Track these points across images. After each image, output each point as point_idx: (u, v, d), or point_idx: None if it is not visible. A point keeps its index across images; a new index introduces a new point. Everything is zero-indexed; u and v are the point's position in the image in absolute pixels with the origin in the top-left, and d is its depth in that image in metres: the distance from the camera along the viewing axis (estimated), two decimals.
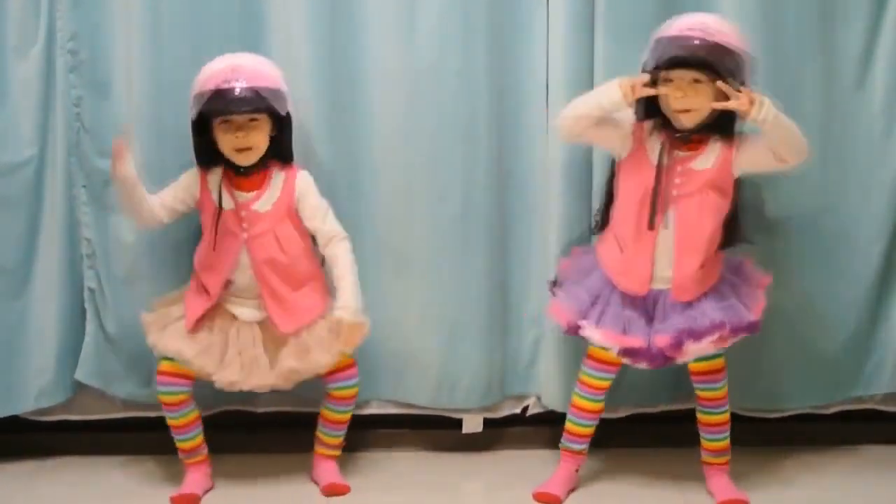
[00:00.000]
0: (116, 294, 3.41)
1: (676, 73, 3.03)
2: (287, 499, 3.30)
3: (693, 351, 3.11)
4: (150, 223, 3.23)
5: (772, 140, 3.03)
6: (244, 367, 3.19)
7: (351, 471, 3.41)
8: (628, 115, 3.14)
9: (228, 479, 3.37)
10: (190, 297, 3.25)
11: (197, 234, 3.26)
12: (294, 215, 3.24)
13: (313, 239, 3.28)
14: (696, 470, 3.35)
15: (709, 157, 3.11)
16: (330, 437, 3.36)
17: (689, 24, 3.05)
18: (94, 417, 3.53)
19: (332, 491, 3.31)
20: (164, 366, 3.21)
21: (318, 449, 3.38)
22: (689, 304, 3.13)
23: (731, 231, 3.19)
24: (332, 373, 3.26)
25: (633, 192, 3.14)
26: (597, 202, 3.35)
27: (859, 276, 3.48)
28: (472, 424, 3.57)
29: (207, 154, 3.19)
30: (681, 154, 3.12)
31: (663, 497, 3.31)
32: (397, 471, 3.48)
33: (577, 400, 3.30)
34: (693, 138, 3.11)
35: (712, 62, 2.99)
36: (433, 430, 3.59)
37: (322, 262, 3.29)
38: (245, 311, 3.24)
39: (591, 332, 3.15)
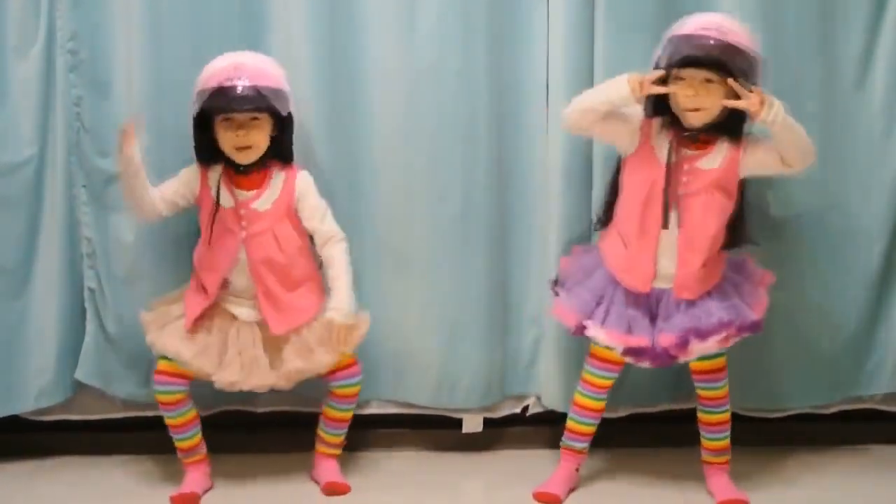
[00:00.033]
0: (116, 294, 3.41)
1: (688, 72, 3.03)
2: (287, 499, 3.30)
3: (698, 350, 3.12)
4: (149, 215, 3.23)
5: (779, 143, 3.03)
6: (244, 367, 3.19)
7: (351, 470, 3.41)
8: (636, 111, 3.14)
9: (228, 478, 3.37)
10: (189, 296, 3.25)
11: (197, 233, 3.26)
12: (293, 215, 3.24)
13: (311, 239, 3.27)
14: (696, 470, 3.35)
15: (716, 158, 3.11)
16: (331, 435, 3.36)
17: (704, 24, 3.04)
18: (93, 417, 3.53)
19: (332, 490, 3.31)
20: (162, 365, 3.22)
21: (319, 447, 3.38)
22: (692, 303, 3.13)
23: (737, 232, 3.19)
24: (334, 371, 3.26)
25: (638, 189, 3.14)
26: (597, 202, 3.35)
27: (859, 276, 3.49)
28: (472, 424, 3.57)
29: (208, 151, 3.19)
30: (688, 153, 3.12)
31: (663, 497, 3.31)
32: (397, 470, 3.48)
33: (579, 398, 3.30)
34: (701, 138, 3.10)
35: (726, 62, 2.98)
36: (433, 430, 3.59)
37: (320, 263, 3.29)
38: (244, 311, 3.23)
39: (595, 331, 3.16)
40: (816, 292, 3.47)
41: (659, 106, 3.12)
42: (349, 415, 3.35)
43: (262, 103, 3.09)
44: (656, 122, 3.15)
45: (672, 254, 3.12)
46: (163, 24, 3.30)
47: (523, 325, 3.54)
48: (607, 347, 3.17)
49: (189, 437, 3.29)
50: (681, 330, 3.10)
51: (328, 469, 3.35)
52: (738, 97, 2.99)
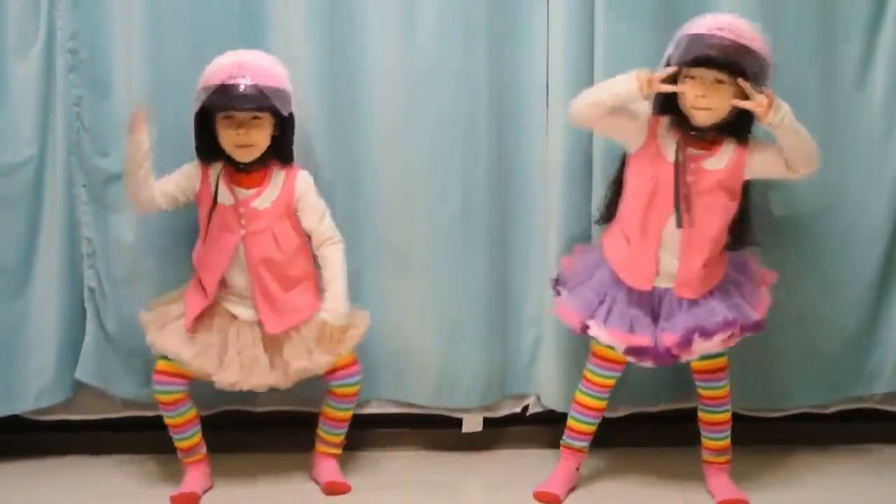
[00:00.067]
0: (116, 293, 3.41)
1: (699, 71, 3.02)
2: (287, 498, 3.30)
3: (701, 349, 3.12)
4: (147, 207, 3.21)
5: (785, 147, 3.04)
6: (244, 366, 3.19)
7: (351, 470, 3.41)
8: (644, 107, 3.14)
9: (228, 478, 3.37)
10: (189, 295, 3.25)
11: (197, 233, 3.26)
12: (292, 214, 3.24)
13: (310, 239, 3.28)
14: (696, 469, 3.36)
15: (721, 158, 3.11)
16: (331, 435, 3.36)
17: (718, 24, 3.03)
18: (93, 417, 3.53)
19: (332, 489, 3.31)
20: (162, 365, 3.22)
21: (319, 447, 3.38)
22: (695, 303, 3.14)
23: (742, 234, 3.20)
24: (333, 370, 3.26)
25: (643, 186, 3.14)
26: (597, 202, 3.35)
27: (860, 276, 3.49)
28: (472, 424, 3.57)
29: (208, 148, 3.19)
30: (694, 152, 3.11)
31: (663, 496, 3.32)
32: (397, 470, 3.48)
33: (580, 397, 3.30)
34: (707, 138, 3.10)
35: (738, 63, 2.98)
36: (433, 430, 3.59)
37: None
38: (244, 311, 3.23)
39: (598, 331, 3.15)
40: (817, 292, 3.47)
41: (666, 104, 3.12)
42: (349, 414, 3.35)
43: (264, 103, 3.09)
44: (664, 119, 3.14)
45: (674, 252, 3.12)
46: (163, 24, 3.30)
47: (523, 325, 3.54)
48: (609, 347, 3.17)
49: (189, 437, 3.29)
50: (684, 329, 3.10)
51: (328, 469, 3.35)
52: (747, 98, 2.99)
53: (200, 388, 3.26)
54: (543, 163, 3.44)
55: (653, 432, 3.58)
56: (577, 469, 3.35)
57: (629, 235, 3.17)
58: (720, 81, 3.01)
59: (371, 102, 3.38)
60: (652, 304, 3.17)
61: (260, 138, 3.15)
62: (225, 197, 3.19)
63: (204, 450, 3.32)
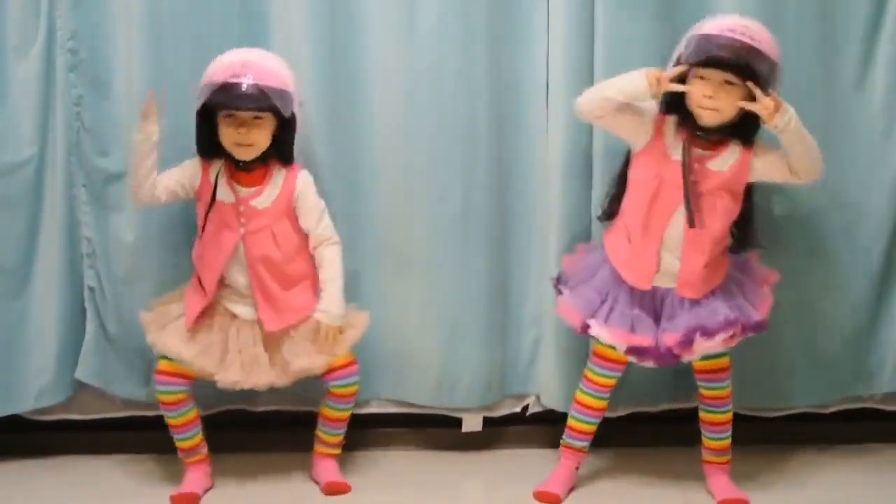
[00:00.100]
0: (116, 293, 3.41)
1: (709, 72, 3.01)
2: (287, 498, 3.30)
3: (702, 349, 3.12)
4: (146, 198, 3.19)
5: (789, 152, 3.04)
6: (244, 365, 3.19)
7: (351, 470, 3.41)
8: (651, 105, 3.13)
9: (228, 478, 3.37)
10: (189, 294, 3.25)
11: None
12: (292, 214, 3.23)
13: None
14: (696, 469, 3.36)
15: (726, 160, 3.11)
16: (330, 435, 3.36)
17: (731, 26, 3.02)
18: (94, 416, 3.53)
19: (332, 490, 3.31)
20: (163, 365, 3.21)
21: (318, 448, 3.38)
22: (697, 302, 3.14)
23: (745, 236, 3.20)
24: (332, 370, 3.26)
25: (647, 184, 3.13)
26: (597, 202, 3.35)
27: (860, 276, 3.49)
28: (472, 423, 3.57)
29: (209, 145, 3.19)
30: (699, 153, 3.11)
31: (663, 496, 3.32)
32: (397, 470, 3.48)
33: (581, 396, 3.30)
34: (713, 139, 3.10)
35: (749, 65, 2.97)
36: (433, 429, 3.59)
37: None
38: (244, 310, 3.23)
39: (599, 330, 3.16)
40: (817, 292, 3.47)
41: (673, 103, 3.11)
42: (347, 414, 3.35)
43: (265, 103, 3.08)
44: (670, 118, 3.14)
45: (676, 251, 3.12)
46: (163, 24, 3.29)
47: (523, 325, 3.54)
48: (610, 346, 3.17)
49: (190, 437, 3.28)
50: (685, 329, 3.10)
51: (327, 469, 3.35)
52: (754, 101, 2.98)
53: (201, 388, 3.26)
54: (543, 163, 3.44)
55: (653, 432, 3.58)
56: (577, 469, 3.35)
57: (631, 233, 3.17)
58: (729, 83, 3.01)
59: (371, 102, 3.38)
60: (654, 305, 3.17)
61: (260, 138, 3.15)
62: (225, 194, 3.19)
63: (205, 450, 3.32)
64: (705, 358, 3.21)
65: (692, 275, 3.12)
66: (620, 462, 3.48)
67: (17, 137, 3.32)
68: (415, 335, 3.48)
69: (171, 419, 3.26)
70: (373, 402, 3.54)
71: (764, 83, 2.99)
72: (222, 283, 3.23)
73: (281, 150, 3.20)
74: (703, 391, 3.29)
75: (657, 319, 3.16)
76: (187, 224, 3.29)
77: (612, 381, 3.27)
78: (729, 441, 3.31)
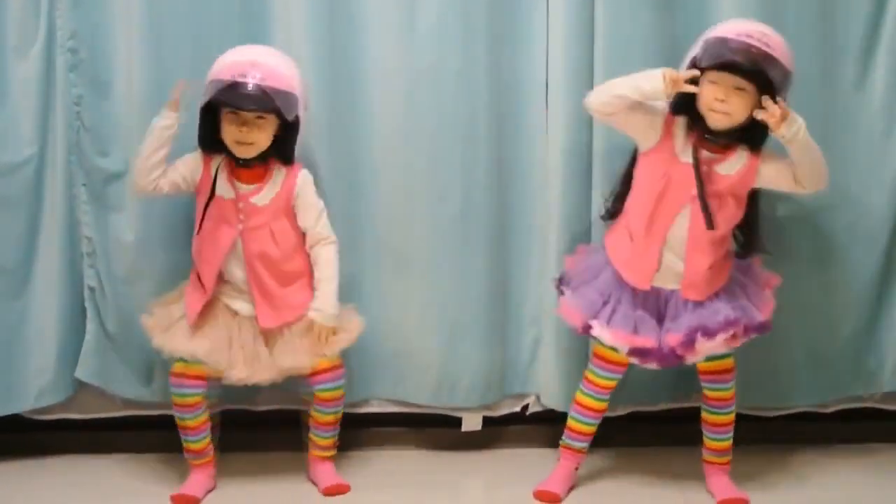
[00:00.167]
0: (117, 293, 3.41)
1: (721, 76, 3.01)
2: (287, 497, 3.31)
3: (705, 349, 3.12)
4: (147, 187, 3.16)
5: (795, 161, 3.04)
6: (247, 361, 3.20)
7: (350, 469, 3.41)
8: (661, 105, 3.13)
9: (228, 477, 3.36)
10: (189, 292, 3.25)
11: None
12: (291, 212, 3.23)
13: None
14: (696, 469, 3.36)
15: (734, 165, 3.10)
16: (322, 438, 3.36)
17: (747, 30, 3.01)
18: (94, 416, 3.53)
19: (332, 492, 3.31)
20: (178, 367, 3.21)
21: (313, 451, 3.38)
22: (700, 304, 3.14)
23: (750, 242, 3.20)
24: (318, 373, 3.26)
25: (654, 184, 3.13)
26: (597, 203, 3.35)
27: (860, 276, 3.49)
28: (472, 423, 3.57)
29: (211, 139, 3.18)
30: (708, 155, 3.11)
31: (663, 496, 3.32)
32: (397, 469, 3.49)
33: (581, 398, 3.30)
34: (721, 143, 3.09)
35: (763, 71, 2.96)
36: (433, 429, 3.59)
37: None
38: (244, 306, 3.24)
39: (601, 331, 3.16)
40: (817, 291, 3.47)
41: (683, 104, 3.10)
42: (337, 417, 3.35)
43: (269, 104, 3.08)
44: (680, 119, 3.13)
45: (678, 252, 3.12)
46: (163, 24, 3.29)
47: (523, 325, 3.54)
48: (612, 348, 3.17)
49: (200, 440, 3.28)
50: (687, 329, 3.10)
51: (325, 472, 3.35)
52: (763, 108, 2.98)
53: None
54: (543, 163, 3.44)
55: (653, 432, 3.58)
56: (576, 469, 3.35)
57: (633, 232, 3.17)
58: (740, 88, 3.00)
59: (371, 102, 3.38)
60: (658, 307, 3.17)
61: (261, 138, 3.14)
62: (225, 190, 3.19)
63: (212, 453, 3.32)
64: (710, 359, 3.21)
65: (696, 276, 3.12)
66: (620, 462, 3.48)
67: (17, 137, 3.32)
68: (415, 335, 3.47)
69: (185, 421, 3.26)
70: (373, 402, 3.55)
71: (777, 91, 2.98)
72: (221, 278, 3.23)
73: (282, 151, 3.20)
74: (707, 392, 3.29)
75: (660, 321, 3.16)
76: (188, 223, 3.29)
77: (612, 384, 3.27)
78: (730, 442, 3.31)
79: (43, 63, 3.30)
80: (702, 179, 3.07)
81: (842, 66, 3.39)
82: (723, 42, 3.01)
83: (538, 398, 3.56)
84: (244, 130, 3.12)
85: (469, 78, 3.36)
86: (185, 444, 3.29)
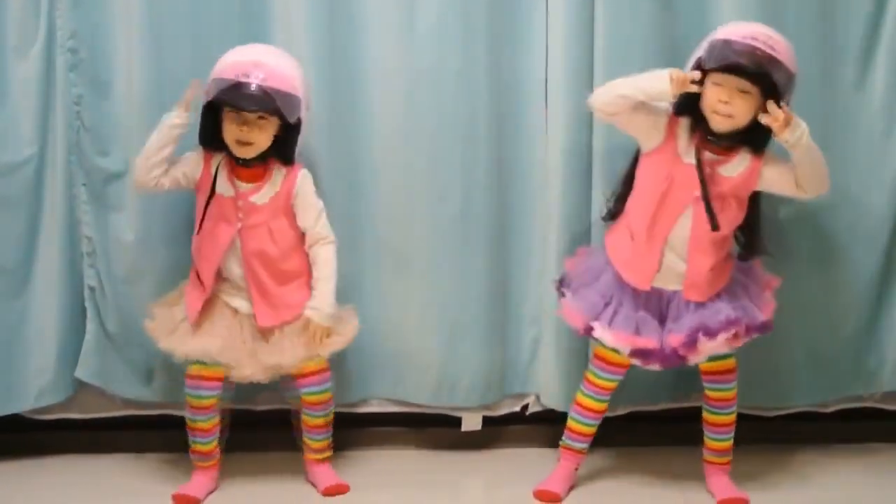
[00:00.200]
0: (117, 293, 3.41)
1: (726, 78, 3.00)
2: (287, 497, 3.31)
3: (707, 349, 3.12)
4: (149, 182, 3.15)
5: (797, 166, 3.04)
6: (249, 359, 3.21)
7: (350, 469, 3.41)
8: (665, 106, 3.13)
9: (228, 477, 3.36)
10: (188, 290, 3.25)
11: None
12: (290, 211, 3.23)
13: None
14: (696, 469, 3.36)
15: (736, 167, 3.10)
16: (316, 441, 3.36)
17: (753, 33, 3.01)
18: (94, 416, 3.53)
19: (331, 492, 3.32)
20: (195, 369, 3.22)
21: (308, 454, 3.38)
22: (702, 304, 3.14)
23: (752, 244, 3.20)
24: (304, 376, 3.27)
25: (656, 185, 3.13)
26: (597, 203, 3.35)
27: (860, 275, 3.49)
28: (472, 423, 3.57)
29: (212, 137, 3.18)
30: (711, 157, 3.10)
31: (663, 496, 3.32)
32: (397, 469, 3.49)
33: (581, 398, 3.30)
34: (724, 144, 3.09)
35: (768, 75, 2.96)
36: (432, 429, 3.59)
37: None
38: (243, 303, 3.24)
39: (602, 333, 3.16)
40: (817, 292, 3.47)
41: (687, 105, 3.10)
42: (328, 420, 3.35)
43: (270, 106, 3.07)
44: (683, 120, 3.13)
45: (679, 252, 3.12)
46: (163, 23, 3.29)
47: (523, 325, 3.54)
48: (613, 350, 3.17)
49: (209, 442, 3.29)
50: (688, 329, 3.11)
51: (323, 473, 3.35)
52: (767, 112, 2.98)
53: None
54: (543, 163, 3.44)
55: (653, 432, 3.58)
56: (576, 469, 3.35)
57: (634, 233, 3.17)
58: (744, 91, 3.00)
59: (371, 102, 3.38)
60: (660, 308, 3.18)
61: (261, 138, 3.14)
62: (224, 188, 3.19)
63: (218, 455, 3.33)
64: (712, 359, 3.20)
65: (698, 276, 3.12)
66: (620, 461, 3.49)
67: (17, 137, 3.32)
68: (414, 335, 3.47)
69: (197, 423, 3.26)
70: (373, 402, 3.55)
71: (781, 95, 2.98)
72: (220, 276, 3.23)
73: (282, 151, 3.20)
74: (708, 392, 3.29)
75: (662, 322, 3.16)
76: (188, 223, 3.29)
77: (612, 385, 3.27)
78: (731, 442, 3.32)
79: (43, 63, 3.30)
80: (705, 181, 3.07)
81: (842, 66, 3.39)
82: (727, 44, 3.01)
83: (538, 398, 3.57)
84: (245, 130, 3.12)
85: (469, 78, 3.36)
86: (192, 445, 3.29)
